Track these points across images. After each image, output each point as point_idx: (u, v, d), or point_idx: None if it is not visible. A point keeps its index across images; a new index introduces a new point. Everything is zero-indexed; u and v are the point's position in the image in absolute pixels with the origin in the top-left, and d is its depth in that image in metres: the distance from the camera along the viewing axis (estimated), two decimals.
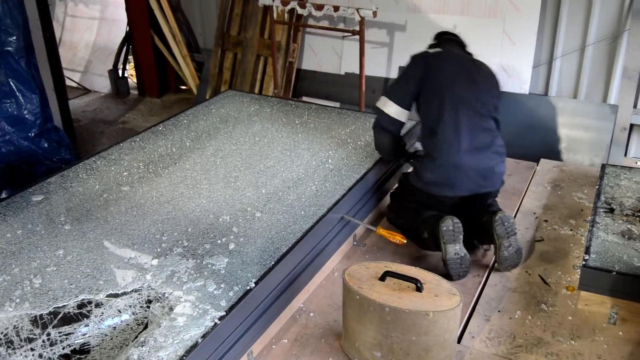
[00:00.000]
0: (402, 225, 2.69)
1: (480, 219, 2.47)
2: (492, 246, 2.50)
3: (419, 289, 1.89)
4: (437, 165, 2.50)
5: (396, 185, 2.94)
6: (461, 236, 2.39)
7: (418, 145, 3.08)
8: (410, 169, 2.76)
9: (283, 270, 2.12)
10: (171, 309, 1.87)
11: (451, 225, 2.38)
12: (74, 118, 5.28)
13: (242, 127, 3.30)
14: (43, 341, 1.81)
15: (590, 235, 2.42)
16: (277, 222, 2.35)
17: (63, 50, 6.19)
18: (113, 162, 2.88)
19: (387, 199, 2.95)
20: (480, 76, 2.61)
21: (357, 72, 4.34)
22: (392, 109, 2.63)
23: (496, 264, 2.46)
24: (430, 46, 2.77)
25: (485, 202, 2.57)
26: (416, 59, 2.66)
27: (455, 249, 2.37)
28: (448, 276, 2.32)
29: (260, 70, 5.18)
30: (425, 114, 2.60)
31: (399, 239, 2.43)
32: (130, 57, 6.38)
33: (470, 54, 2.76)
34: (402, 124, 2.67)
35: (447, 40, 2.77)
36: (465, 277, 2.40)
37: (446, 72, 2.57)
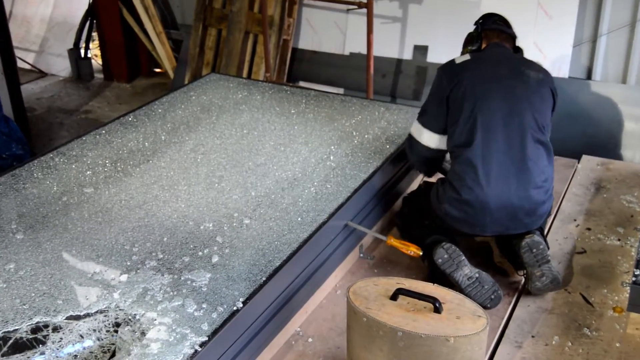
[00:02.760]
0: (408, 237, 2.69)
1: (510, 240, 2.48)
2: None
3: (437, 309, 1.89)
4: (458, 200, 2.43)
5: (413, 189, 2.94)
6: (462, 258, 2.39)
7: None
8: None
9: (276, 287, 2.13)
10: (143, 333, 1.86)
11: (445, 253, 2.39)
12: (28, 106, 5.29)
13: (227, 117, 3.31)
14: None
15: None
16: (269, 230, 2.35)
17: (14, 26, 6.20)
18: (74, 159, 2.89)
19: (400, 203, 2.95)
20: (524, 86, 2.47)
21: (364, 52, 4.34)
22: (428, 138, 2.60)
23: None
24: (468, 40, 2.69)
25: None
26: (441, 72, 2.57)
27: (465, 274, 2.38)
28: (481, 306, 2.29)
29: (249, 50, 5.18)
30: (451, 137, 2.52)
31: (413, 250, 2.44)
32: (95, 34, 6.38)
33: (518, 51, 2.64)
34: (443, 152, 2.62)
35: (492, 31, 2.63)
36: (499, 299, 2.38)
37: (476, 87, 2.46)
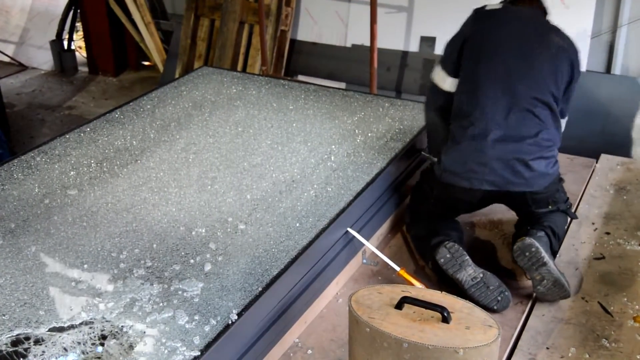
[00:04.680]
0: (414, 237, 2.74)
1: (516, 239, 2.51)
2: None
3: (445, 319, 1.90)
4: (457, 148, 2.55)
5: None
6: (466, 257, 2.43)
7: None
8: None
9: (273, 297, 2.13)
10: (131, 346, 1.87)
11: (447, 253, 2.44)
12: (7, 102, 5.31)
13: (221, 114, 3.31)
14: None
15: None
16: (265, 236, 2.36)
17: None
18: (57, 159, 2.89)
19: (406, 207, 2.96)
20: (544, 48, 2.56)
21: (368, 43, 4.36)
22: (442, 79, 2.69)
23: None
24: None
25: (529, 212, 2.58)
26: (471, 14, 2.71)
27: (469, 274, 2.40)
28: (487, 308, 2.32)
29: (244, 41, 5.19)
30: (459, 87, 2.64)
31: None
32: (79, 25, 6.40)
33: (547, 20, 2.72)
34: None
35: None
36: (508, 302, 2.41)
37: (494, 35, 2.59)
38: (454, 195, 2.62)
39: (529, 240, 2.40)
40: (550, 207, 2.60)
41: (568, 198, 2.69)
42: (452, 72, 2.66)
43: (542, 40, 2.58)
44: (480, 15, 2.67)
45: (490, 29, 2.61)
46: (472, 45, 2.60)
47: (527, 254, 2.39)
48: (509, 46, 2.57)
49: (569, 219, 2.76)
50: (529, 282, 2.56)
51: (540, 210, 2.59)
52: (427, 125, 2.89)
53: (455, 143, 2.57)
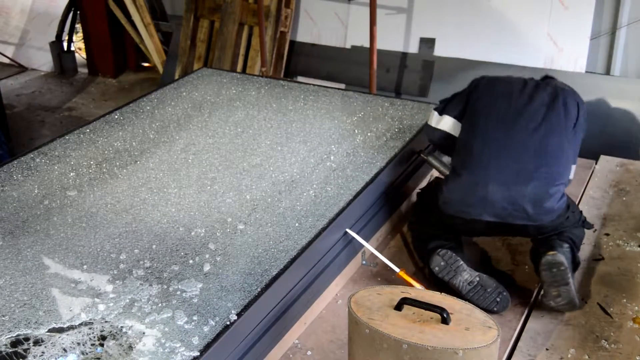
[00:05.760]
0: (415, 238, 2.74)
1: (535, 249, 2.49)
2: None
3: (445, 320, 1.90)
4: (458, 180, 2.52)
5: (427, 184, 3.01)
6: (461, 262, 2.43)
7: None
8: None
9: (273, 297, 2.13)
10: (130, 347, 1.87)
11: (441, 261, 2.45)
12: (7, 103, 5.30)
13: (220, 115, 3.31)
14: None
15: None
16: (265, 236, 2.36)
17: None
18: (56, 160, 2.89)
19: (405, 208, 2.96)
20: (534, 110, 2.55)
21: (367, 45, 4.36)
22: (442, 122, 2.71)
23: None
24: None
25: (542, 234, 2.52)
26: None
27: (464, 279, 2.41)
28: (487, 311, 2.31)
29: (243, 42, 5.20)
30: (464, 125, 2.64)
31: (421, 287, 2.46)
32: (78, 26, 6.40)
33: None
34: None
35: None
36: (507, 302, 2.41)
37: (503, 94, 2.60)
38: (455, 224, 2.58)
39: (559, 257, 2.36)
40: (562, 229, 2.53)
41: (581, 212, 2.66)
42: (457, 116, 2.68)
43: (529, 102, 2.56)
44: (482, 77, 2.72)
45: (492, 86, 2.65)
46: (479, 96, 2.63)
47: (554, 270, 2.36)
48: (517, 97, 2.57)
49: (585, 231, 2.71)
50: (529, 283, 2.56)
51: (551, 234, 2.52)
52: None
53: (456, 175, 2.55)
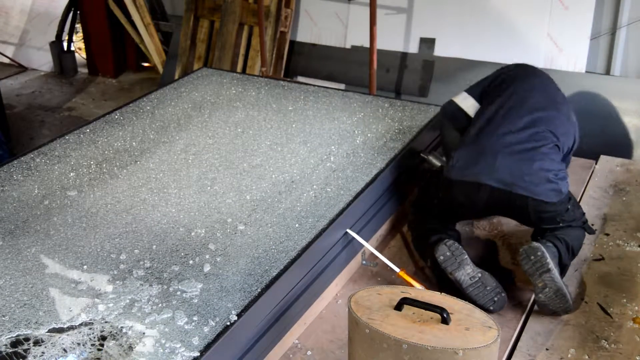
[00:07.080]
0: (414, 235, 2.75)
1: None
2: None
3: (445, 320, 1.90)
4: (469, 144, 2.61)
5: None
6: (465, 256, 2.44)
7: None
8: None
9: (273, 298, 2.13)
10: (130, 347, 1.87)
11: (447, 250, 2.45)
12: (7, 103, 5.31)
13: (220, 115, 3.31)
14: None
15: None
16: (265, 237, 2.36)
17: None
18: (56, 160, 2.89)
19: (405, 209, 2.96)
20: (560, 106, 2.76)
21: (367, 45, 4.36)
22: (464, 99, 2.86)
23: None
24: None
25: (540, 220, 2.55)
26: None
27: (467, 273, 2.41)
28: (483, 309, 2.32)
29: (243, 42, 5.20)
30: (484, 103, 2.78)
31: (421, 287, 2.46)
32: (78, 26, 6.40)
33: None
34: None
35: None
36: (503, 303, 2.42)
37: (526, 81, 2.79)
38: (458, 199, 2.61)
39: (535, 244, 2.39)
40: (560, 224, 2.55)
41: (584, 214, 2.66)
42: (477, 97, 2.82)
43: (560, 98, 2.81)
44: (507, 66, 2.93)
45: (521, 76, 2.82)
46: (502, 79, 2.82)
47: (531, 257, 2.37)
48: (532, 89, 2.76)
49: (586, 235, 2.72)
50: (529, 283, 2.56)
51: (549, 226, 2.55)
52: (444, 137, 2.99)
53: (468, 140, 2.63)
